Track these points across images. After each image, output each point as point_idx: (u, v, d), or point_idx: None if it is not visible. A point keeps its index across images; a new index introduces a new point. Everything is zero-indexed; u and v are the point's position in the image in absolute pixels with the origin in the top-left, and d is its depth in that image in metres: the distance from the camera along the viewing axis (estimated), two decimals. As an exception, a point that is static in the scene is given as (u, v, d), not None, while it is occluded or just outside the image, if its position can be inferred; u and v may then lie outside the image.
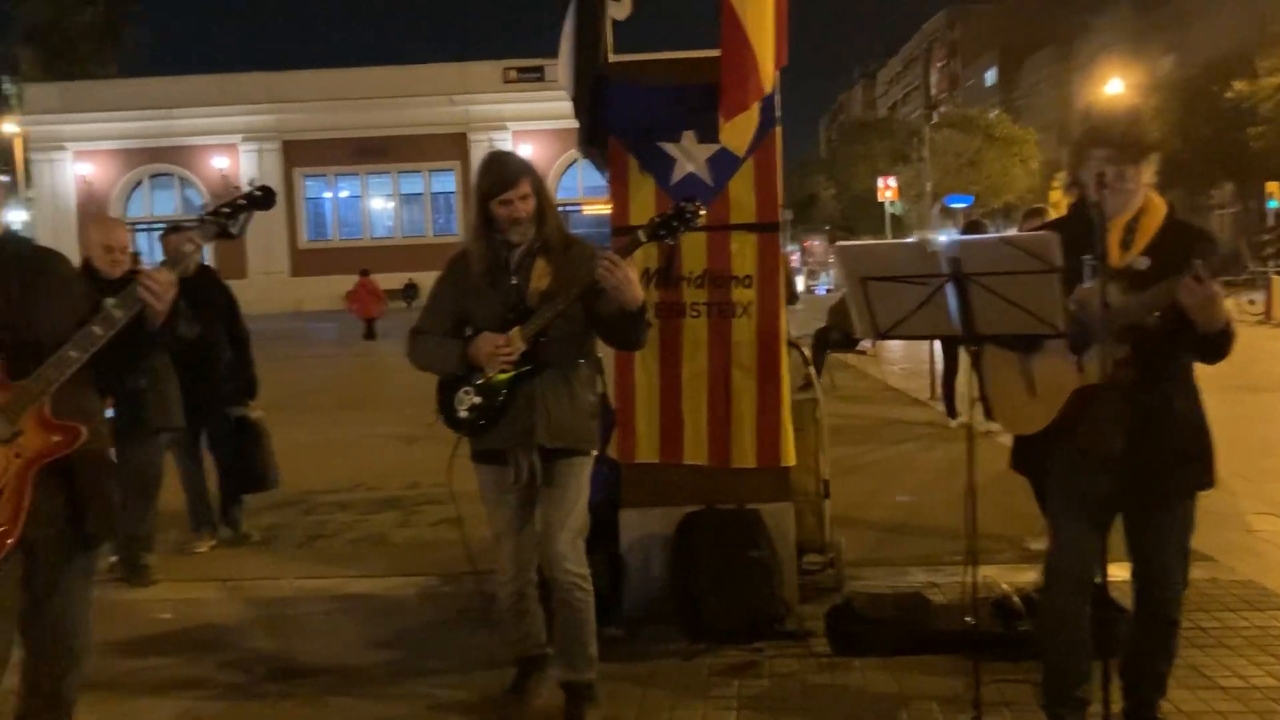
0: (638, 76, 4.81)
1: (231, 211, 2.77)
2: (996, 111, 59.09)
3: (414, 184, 45.05)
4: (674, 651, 4.41)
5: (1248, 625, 4.51)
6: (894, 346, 15.32)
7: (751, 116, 4.43)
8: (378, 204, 45.57)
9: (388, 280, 31.84)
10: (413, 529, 6.85)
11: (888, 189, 29.24)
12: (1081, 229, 3.04)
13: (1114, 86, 41.39)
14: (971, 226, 9.88)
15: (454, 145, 43.21)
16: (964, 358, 9.80)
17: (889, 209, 31.58)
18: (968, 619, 3.69)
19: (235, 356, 6.49)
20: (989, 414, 3.54)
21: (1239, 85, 35.54)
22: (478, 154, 42.43)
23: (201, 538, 6.37)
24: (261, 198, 2.80)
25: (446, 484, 3.80)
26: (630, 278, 3.42)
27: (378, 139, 42.89)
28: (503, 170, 3.62)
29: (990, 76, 78.86)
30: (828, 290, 40.64)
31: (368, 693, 4.18)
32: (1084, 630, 3.30)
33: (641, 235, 3.57)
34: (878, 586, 5.08)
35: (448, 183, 44.39)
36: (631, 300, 3.45)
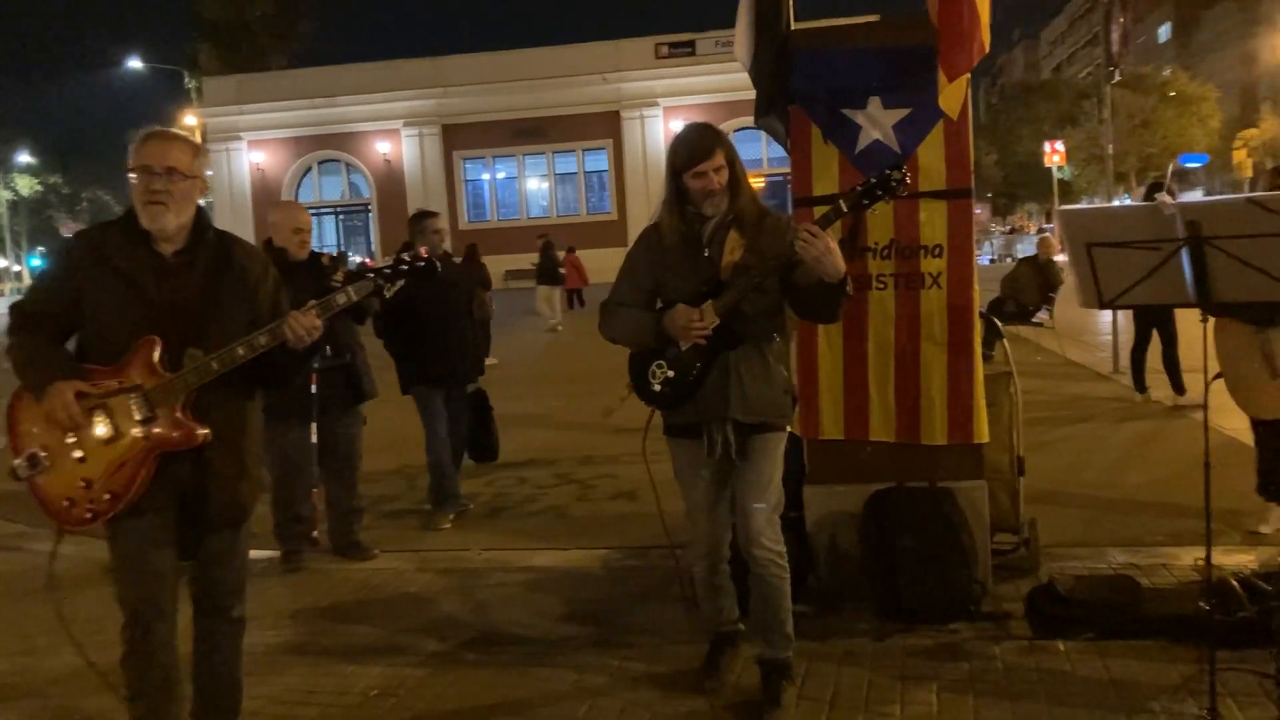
0: (823, 42, 4.69)
1: (391, 275, 3.06)
2: (1170, 69, 55.95)
3: (568, 163, 45.56)
4: (867, 631, 4.33)
5: None
6: (1071, 319, 14.64)
7: (966, 77, 4.27)
8: (533, 184, 46.31)
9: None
10: (591, 503, 6.93)
11: (1055, 153, 27.92)
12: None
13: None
14: (1155, 188, 9.29)
15: (607, 123, 43.50)
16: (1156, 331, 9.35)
17: (1057, 174, 30.20)
18: (1201, 604, 3.48)
19: (476, 334, 6.78)
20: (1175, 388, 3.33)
21: None
22: (630, 131, 42.69)
23: (446, 512, 6.52)
24: (424, 269, 3.08)
25: (642, 458, 3.79)
26: (832, 248, 3.34)
27: (533, 119, 43.52)
28: (698, 141, 3.58)
29: (1164, 32, 74.59)
30: (990, 260, 39.36)
31: (564, 663, 4.24)
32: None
33: (843, 204, 3.47)
34: (1075, 568, 4.87)
35: (600, 161, 44.73)
36: (834, 271, 3.36)
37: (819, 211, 3.71)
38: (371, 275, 3.10)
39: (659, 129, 41.16)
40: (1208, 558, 3.37)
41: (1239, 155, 36.53)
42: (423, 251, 3.25)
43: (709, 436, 3.67)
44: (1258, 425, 3.28)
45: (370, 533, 6.09)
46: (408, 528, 6.50)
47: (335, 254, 6.35)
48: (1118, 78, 11.66)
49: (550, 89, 42.92)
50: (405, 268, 3.09)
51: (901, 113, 4.53)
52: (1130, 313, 10.19)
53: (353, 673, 4.27)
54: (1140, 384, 9.54)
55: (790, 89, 4.63)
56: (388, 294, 3.13)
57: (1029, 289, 13.00)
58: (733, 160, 3.59)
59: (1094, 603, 4.21)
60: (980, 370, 4.58)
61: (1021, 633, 4.23)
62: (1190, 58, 67.07)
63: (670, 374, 3.64)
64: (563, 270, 22.85)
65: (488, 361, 12.08)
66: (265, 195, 41.70)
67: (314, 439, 5.68)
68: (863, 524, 4.57)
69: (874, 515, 4.55)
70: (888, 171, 3.41)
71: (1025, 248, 32.77)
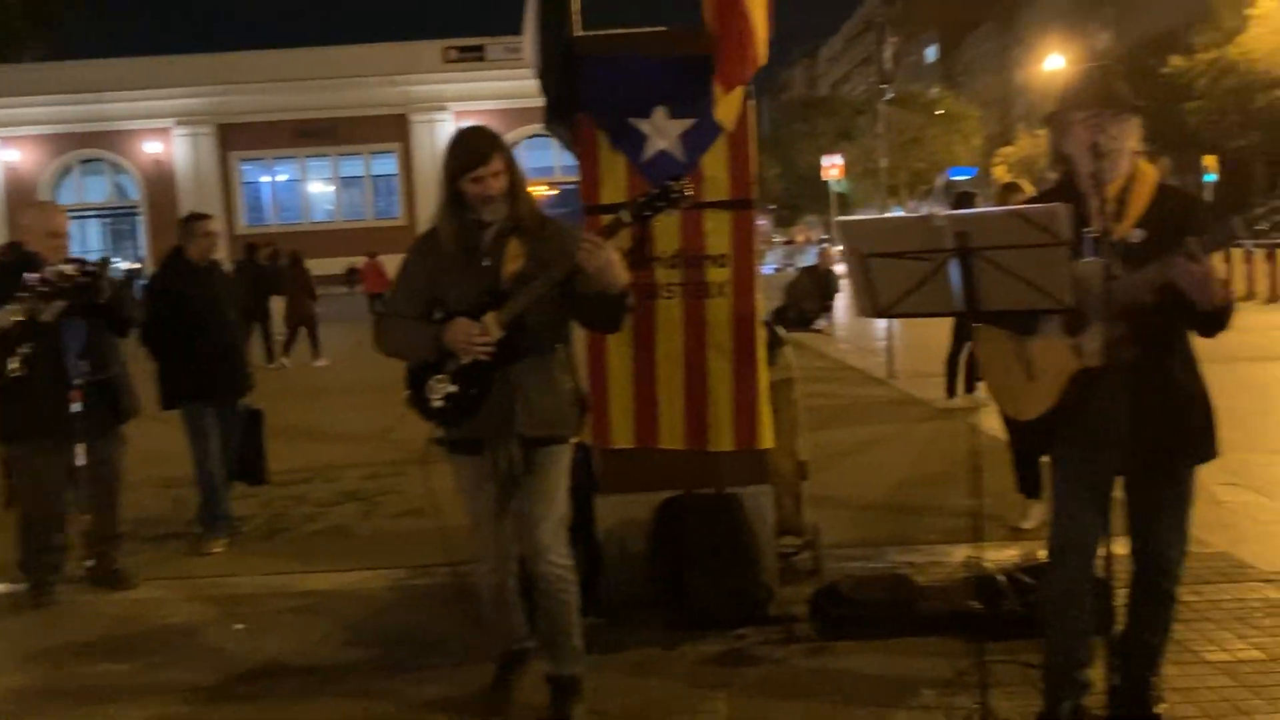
0: (608, 50, 4.66)
1: (46, 294, 2.81)
2: (937, 89, 59.56)
3: (355, 166, 44.39)
4: (656, 640, 4.32)
5: (1228, 598, 4.52)
6: (848, 325, 15.34)
7: (741, 89, 4.32)
8: (317, 188, 44.84)
9: (329, 265, 31.36)
10: (377, 521, 6.67)
11: (833, 167, 29.17)
12: (1072, 201, 2.97)
13: (1054, 62, 41.86)
14: (963, 199, 9.61)
15: (395, 127, 42.64)
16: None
17: (834, 187, 31.57)
18: (972, 603, 3.62)
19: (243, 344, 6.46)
20: (966, 388, 3.47)
21: (1175, 60, 36.03)
22: (419, 135, 41.99)
23: (216, 536, 6.12)
24: (76, 288, 2.85)
25: (422, 476, 3.65)
26: (614, 260, 3.30)
27: (317, 121, 42.18)
28: (474, 145, 3.47)
29: (931, 53, 79.41)
30: (775, 270, 40.74)
31: (346, 690, 4.03)
32: (1087, 611, 3.26)
33: (626, 215, 3.43)
34: (856, 568, 5.02)
35: (389, 165, 43.81)
36: (615, 283, 3.33)
37: (606, 221, 3.67)
38: (26, 295, 2.79)
39: (449, 133, 40.60)
40: (976, 557, 3.50)
41: (999, 171, 39.26)
42: (67, 269, 2.96)
43: (494, 452, 3.56)
44: (1012, 426, 3.43)
45: (131, 559, 5.65)
46: (174, 553, 6.08)
47: (99, 261, 5.84)
48: (890, 95, 12.23)
49: (336, 90, 41.71)
50: (49, 288, 2.77)
51: (687, 123, 4.55)
52: (903, 321, 10.63)
53: (114, 714, 3.93)
54: (951, 388, 9.68)
55: (577, 96, 4.58)
56: (43, 317, 2.82)
57: (809, 297, 13.49)
58: (511, 165, 3.50)
59: (874, 602, 4.34)
60: (765, 377, 4.65)
61: (807, 635, 4.31)
62: (956, 77, 71.69)
63: (451, 389, 3.50)
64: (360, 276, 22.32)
65: (319, 363, 12.05)
66: (20, 196, 38.68)
67: (79, 460, 5.21)
68: (652, 532, 4.57)
69: (663, 523, 4.55)
70: (669, 183, 3.40)
71: (806, 258, 34.05)
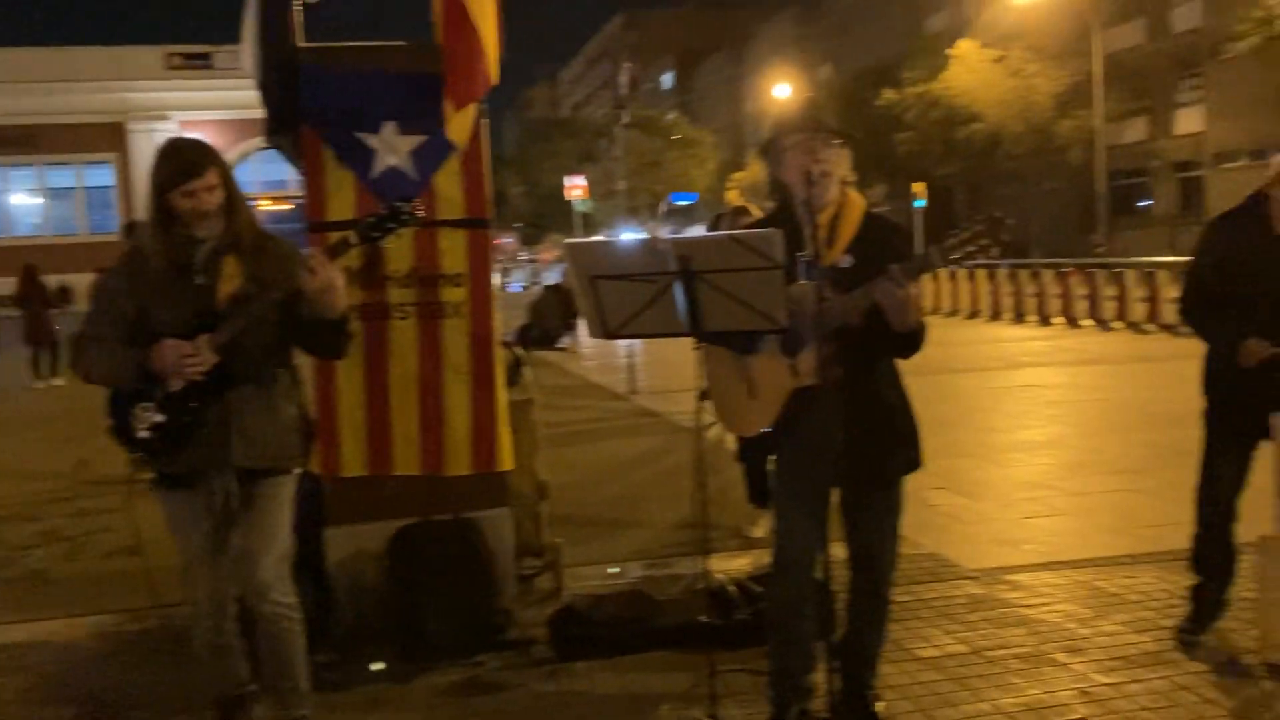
0: (333, 62, 4.49)
1: None
2: (674, 114, 61.62)
3: (64, 178, 41.10)
4: (391, 674, 4.17)
5: (936, 596, 4.84)
6: (592, 342, 15.51)
7: (474, 107, 4.26)
8: (20, 199, 41.21)
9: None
10: (82, 563, 6.13)
11: (576, 188, 29.55)
12: (787, 228, 3.11)
13: (781, 91, 44.16)
14: (719, 221, 9.90)
15: (110, 136, 39.80)
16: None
17: (578, 207, 31.99)
18: (702, 618, 3.70)
19: None
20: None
21: (888, 93, 38.82)
22: (138, 146, 39.35)
23: None
24: None
25: (125, 512, 3.36)
26: (336, 283, 3.16)
27: (19, 128, 38.77)
28: (185, 157, 3.23)
29: (668, 80, 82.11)
30: (523, 288, 40.81)
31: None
32: (810, 619, 3.39)
33: (353, 237, 3.30)
34: (595, 586, 5.05)
35: (104, 176, 40.82)
36: (334, 308, 3.19)
37: (332, 239, 3.51)
38: None
39: (173, 145, 38.26)
40: (706, 569, 3.58)
41: (731, 195, 40.91)
42: None
43: (208, 486, 3.33)
44: (741, 441, 3.55)
45: None
46: None
47: None
48: (626, 119, 12.51)
49: (41, 95, 38.47)
50: None
51: (417, 139, 4.45)
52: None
53: None
54: None
55: (298, 108, 4.39)
56: None
57: (553, 315, 13.57)
58: (228, 179, 3.29)
59: (611, 620, 4.37)
60: (504, 398, 4.60)
61: (546, 657, 4.28)
62: (691, 104, 74.37)
63: (158, 418, 3.24)
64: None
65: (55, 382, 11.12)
66: None
67: None
68: (387, 562, 4.42)
69: (398, 552, 4.41)
70: (398, 203, 3.30)
71: (551, 276, 34.29)
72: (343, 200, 4.43)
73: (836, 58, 54.64)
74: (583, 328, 14.22)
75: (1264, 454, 3.97)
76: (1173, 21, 37.37)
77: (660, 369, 12.84)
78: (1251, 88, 28.41)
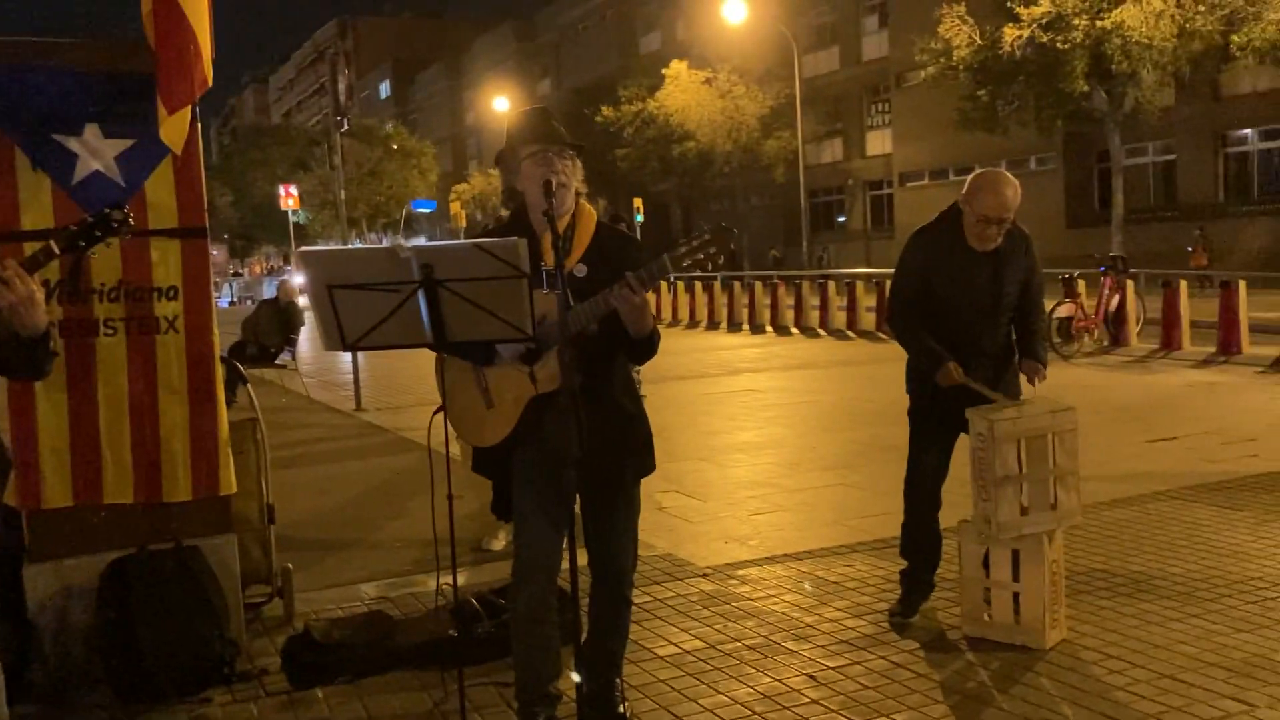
0: (24, 57, 4.11)
1: None
2: (392, 124, 60.49)
3: None
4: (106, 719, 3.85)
5: (672, 595, 4.99)
6: (313, 358, 14.95)
7: (188, 111, 4.01)
8: None
9: None
10: None
11: (290, 197, 28.40)
12: (524, 238, 3.13)
13: (500, 104, 44.25)
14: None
15: None
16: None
17: (293, 218, 30.78)
18: (445, 634, 3.64)
19: None
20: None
21: (606, 110, 39.77)
22: None
23: None
24: None
25: None
26: (33, 297, 2.89)
27: None
28: None
29: (385, 89, 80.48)
30: (231, 303, 38.75)
31: None
32: (555, 626, 3.41)
33: (55, 246, 3.02)
34: (331, 610, 4.88)
35: None
36: (32, 325, 2.91)
37: (30, 249, 3.21)
38: None
39: None
40: (455, 584, 3.54)
41: (455, 206, 40.61)
42: None
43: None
44: (477, 453, 3.53)
45: None
46: None
47: None
48: (345, 127, 12.17)
49: None
50: None
51: (124, 143, 4.15)
52: (369, 353, 10.61)
53: None
54: None
55: (-16, 107, 3.99)
56: None
57: (271, 331, 12.96)
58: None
59: (349, 644, 4.23)
60: (224, 418, 4.36)
61: (280, 687, 4.09)
62: (410, 114, 73.25)
63: None
64: None
65: None
66: None
67: None
68: (99, 598, 4.08)
69: (110, 587, 4.08)
70: (107, 210, 3.05)
71: (265, 290, 32.80)
72: (39, 207, 4.07)
73: (555, 73, 55.49)
74: (302, 343, 13.65)
75: (962, 446, 4.35)
76: (863, 50, 40.45)
77: (387, 384, 12.56)
78: (931, 113, 31.15)
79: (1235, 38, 21.41)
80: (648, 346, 3.32)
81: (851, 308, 18.31)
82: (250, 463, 4.76)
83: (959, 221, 4.36)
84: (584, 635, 3.54)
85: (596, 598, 3.56)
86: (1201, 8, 22.32)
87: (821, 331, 18.65)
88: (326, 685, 4.06)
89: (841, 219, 42.77)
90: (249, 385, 5.17)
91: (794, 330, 19.30)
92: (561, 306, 3.09)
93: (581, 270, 3.32)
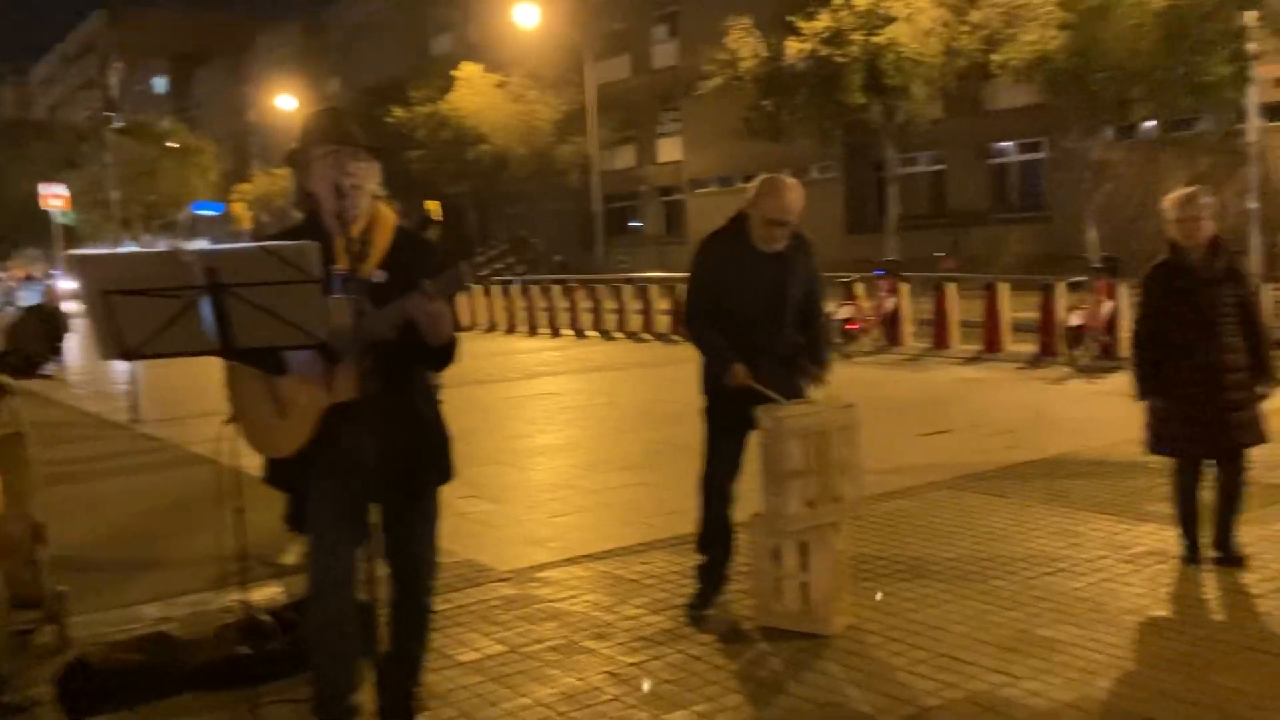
0: None
1: None
2: (169, 120, 57.43)
3: None
4: None
5: (473, 601, 4.98)
6: (84, 368, 14.02)
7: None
8: None
9: None
10: None
11: (56, 197, 26.52)
12: (317, 241, 3.07)
13: (286, 103, 42.79)
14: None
15: None
16: None
17: (59, 219, 28.72)
18: (239, 648, 3.51)
19: None
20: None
21: (398, 111, 39.04)
22: None
23: None
24: None
25: None
26: None
27: None
28: None
29: (160, 84, 76.29)
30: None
31: None
32: (353, 638, 3.34)
33: None
34: (110, 634, 4.61)
35: None
36: None
37: None
38: None
39: None
40: (245, 601, 3.42)
41: (237, 207, 38.94)
42: None
43: None
44: (270, 464, 3.43)
45: None
46: None
47: None
48: (120, 123, 11.49)
49: None
50: None
51: None
52: (147, 361, 10.09)
53: None
54: None
55: None
56: None
57: (36, 339, 12.12)
58: None
59: (131, 669, 4.01)
60: (-15, 434, 4.07)
61: (53, 719, 3.84)
62: (188, 111, 69.77)
63: None
64: None
65: None
66: None
67: None
68: None
69: None
70: None
71: (29, 297, 30.51)
72: None
73: (344, 72, 54.04)
74: (71, 352, 12.82)
75: (753, 443, 4.52)
76: (653, 59, 41.22)
77: (166, 394, 11.94)
78: (720, 122, 32.05)
79: (995, 57, 22.95)
80: (444, 355, 3.30)
81: (647, 311, 18.64)
82: (17, 480, 4.46)
83: (745, 226, 4.53)
84: (384, 646, 3.50)
85: (397, 608, 3.51)
86: (965, 28, 23.85)
87: (618, 334, 18.90)
88: (106, 714, 3.84)
89: (635, 224, 43.43)
90: (14, 397, 4.82)
91: (591, 334, 19.48)
92: (355, 313, 3.04)
93: (379, 276, 3.26)
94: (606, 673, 4.10)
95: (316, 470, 3.31)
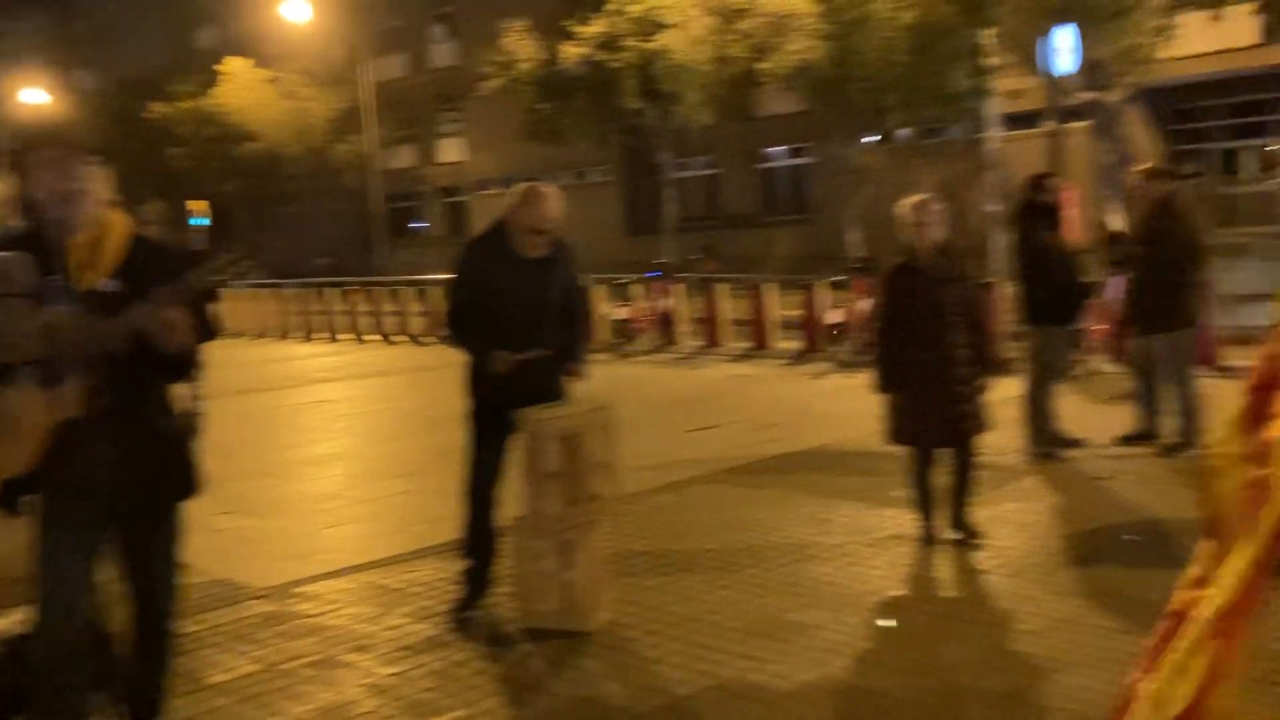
0: None
1: None
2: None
3: None
4: None
5: (227, 620, 4.81)
6: None
7: None
8: None
9: None
10: None
11: None
12: (39, 249, 2.92)
13: (32, 96, 39.86)
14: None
15: None
16: None
17: None
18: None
19: None
20: None
21: (158, 106, 37.01)
22: None
23: None
24: None
25: None
26: None
27: None
28: None
29: (-117, 71, 69.47)
30: None
31: None
32: (85, 669, 3.18)
33: None
34: None
35: None
36: None
37: None
38: None
39: None
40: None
41: (-22, 207, 35.94)
42: None
43: None
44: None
45: None
46: None
47: None
48: None
49: None
50: None
51: None
52: None
53: None
54: None
55: None
56: None
57: None
58: None
59: None
60: None
61: None
62: (-85, 102, 63.82)
63: None
64: None
65: None
66: None
67: None
68: None
69: None
70: None
71: None
72: None
73: (97, 65, 50.69)
74: None
75: (516, 447, 4.55)
76: (431, 58, 40.65)
77: None
78: (500, 123, 31.93)
79: (763, 65, 23.82)
80: (185, 364, 3.19)
81: (428, 313, 18.34)
82: None
83: (506, 231, 4.57)
84: (122, 675, 3.34)
85: (136, 634, 3.36)
86: (734, 36, 24.66)
87: (400, 338, 18.55)
88: None
89: (418, 225, 42.73)
90: None
91: (372, 337, 19.04)
92: (80, 325, 2.90)
93: (112, 285, 3.11)
94: (365, 685, 4.05)
95: (45, 493, 3.14)
